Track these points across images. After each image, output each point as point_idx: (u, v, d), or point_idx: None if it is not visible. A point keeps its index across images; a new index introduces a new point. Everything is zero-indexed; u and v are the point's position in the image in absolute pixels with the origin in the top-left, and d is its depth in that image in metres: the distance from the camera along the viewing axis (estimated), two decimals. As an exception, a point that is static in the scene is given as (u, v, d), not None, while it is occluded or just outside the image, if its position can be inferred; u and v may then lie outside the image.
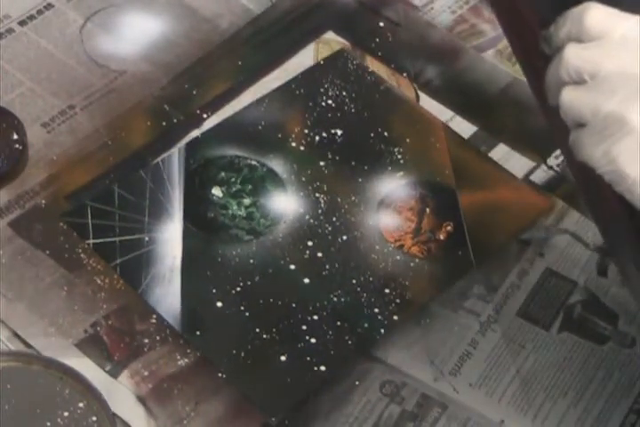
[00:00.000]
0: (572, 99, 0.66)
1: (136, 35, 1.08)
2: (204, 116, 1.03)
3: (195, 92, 1.05)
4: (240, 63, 1.07)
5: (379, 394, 0.91)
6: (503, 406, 0.91)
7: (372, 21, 1.12)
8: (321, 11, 1.13)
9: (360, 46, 1.10)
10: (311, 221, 0.99)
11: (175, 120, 1.03)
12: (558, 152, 1.05)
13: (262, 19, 1.11)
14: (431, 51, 1.11)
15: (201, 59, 1.07)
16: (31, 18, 1.07)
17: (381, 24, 1.12)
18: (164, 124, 1.03)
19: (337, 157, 1.03)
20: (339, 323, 0.93)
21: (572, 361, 0.94)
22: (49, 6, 1.08)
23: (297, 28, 1.11)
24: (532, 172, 1.04)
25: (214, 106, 1.04)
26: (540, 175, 1.04)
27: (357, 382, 0.91)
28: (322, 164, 1.02)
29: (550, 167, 1.05)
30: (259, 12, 1.11)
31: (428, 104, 1.07)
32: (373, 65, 1.09)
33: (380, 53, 1.09)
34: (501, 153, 1.05)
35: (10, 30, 1.06)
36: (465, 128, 1.05)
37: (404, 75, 1.08)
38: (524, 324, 0.96)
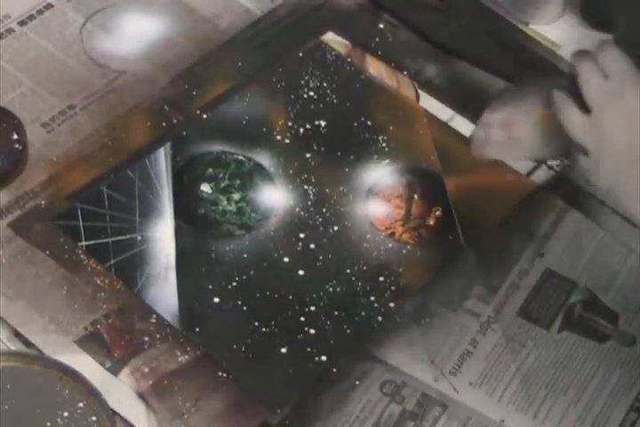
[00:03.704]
0: None
1: (136, 35, 1.08)
2: (204, 116, 1.03)
3: (194, 93, 1.05)
4: (240, 64, 1.08)
5: (379, 394, 0.91)
6: (503, 405, 0.91)
7: (371, 23, 1.12)
8: (321, 12, 1.13)
9: (360, 46, 1.10)
10: (301, 213, 0.99)
11: (175, 120, 1.03)
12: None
13: (263, 20, 1.11)
14: (431, 50, 1.11)
15: (201, 59, 1.07)
16: (31, 18, 1.07)
17: (381, 26, 1.12)
18: (163, 124, 1.03)
19: (322, 148, 1.03)
20: (336, 313, 0.94)
21: (572, 360, 0.94)
22: (49, 6, 1.08)
23: (297, 29, 1.11)
24: (532, 172, 1.04)
25: (214, 106, 1.04)
26: (540, 175, 1.04)
27: (358, 382, 0.91)
28: (308, 155, 1.03)
29: (550, 167, 1.05)
30: (258, 11, 1.11)
31: (429, 103, 1.07)
32: (373, 64, 1.09)
33: (379, 52, 1.09)
34: (501, 153, 1.05)
35: (10, 30, 1.06)
36: (465, 127, 1.05)
37: (405, 73, 1.09)
38: (525, 323, 0.96)
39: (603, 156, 0.80)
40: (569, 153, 0.86)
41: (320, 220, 0.99)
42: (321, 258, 0.97)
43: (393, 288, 0.96)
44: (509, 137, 0.89)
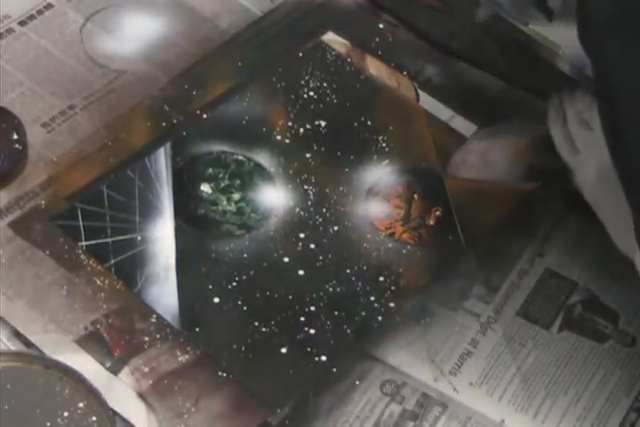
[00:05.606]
0: None
1: (136, 34, 1.08)
2: (204, 116, 1.03)
3: (194, 93, 1.05)
4: (240, 64, 1.08)
5: (379, 393, 0.91)
6: (503, 405, 0.91)
7: (371, 23, 1.12)
8: (321, 11, 1.13)
9: (360, 46, 1.10)
10: (301, 213, 0.99)
11: (175, 120, 1.03)
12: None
13: (263, 19, 1.11)
14: (431, 50, 1.11)
15: (201, 59, 1.07)
16: (31, 18, 1.07)
17: (381, 26, 1.12)
18: (163, 124, 1.03)
19: (322, 148, 1.03)
20: (336, 313, 0.94)
21: (572, 360, 0.94)
22: (49, 6, 1.08)
23: (297, 29, 1.11)
24: (532, 172, 1.05)
25: (214, 106, 1.04)
26: (540, 175, 1.04)
27: (358, 382, 0.91)
28: (308, 155, 1.03)
29: (550, 167, 1.05)
30: (258, 11, 1.11)
31: (428, 103, 1.07)
32: (373, 64, 1.09)
33: (379, 52, 1.10)
34: (501, 152, 1.05)
35: (10, 30, 1.06)
36: (465, 127, 1.06)
37: (404, 73, 1.09)
38: (525, 323, 0.96)
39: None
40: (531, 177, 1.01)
41: (320, 220, 0.99)
42: (321, 258, 0.97)
43: (393, 288, 0.96)
44: (484, 162, 1.01)
